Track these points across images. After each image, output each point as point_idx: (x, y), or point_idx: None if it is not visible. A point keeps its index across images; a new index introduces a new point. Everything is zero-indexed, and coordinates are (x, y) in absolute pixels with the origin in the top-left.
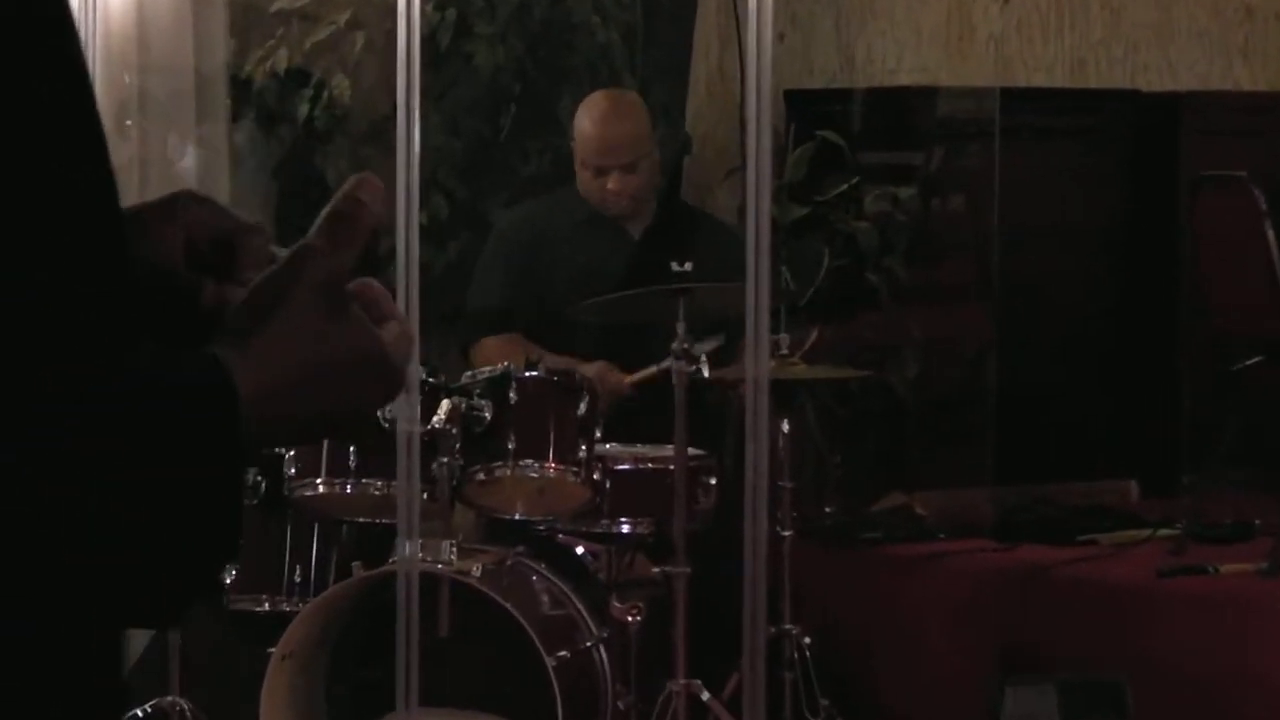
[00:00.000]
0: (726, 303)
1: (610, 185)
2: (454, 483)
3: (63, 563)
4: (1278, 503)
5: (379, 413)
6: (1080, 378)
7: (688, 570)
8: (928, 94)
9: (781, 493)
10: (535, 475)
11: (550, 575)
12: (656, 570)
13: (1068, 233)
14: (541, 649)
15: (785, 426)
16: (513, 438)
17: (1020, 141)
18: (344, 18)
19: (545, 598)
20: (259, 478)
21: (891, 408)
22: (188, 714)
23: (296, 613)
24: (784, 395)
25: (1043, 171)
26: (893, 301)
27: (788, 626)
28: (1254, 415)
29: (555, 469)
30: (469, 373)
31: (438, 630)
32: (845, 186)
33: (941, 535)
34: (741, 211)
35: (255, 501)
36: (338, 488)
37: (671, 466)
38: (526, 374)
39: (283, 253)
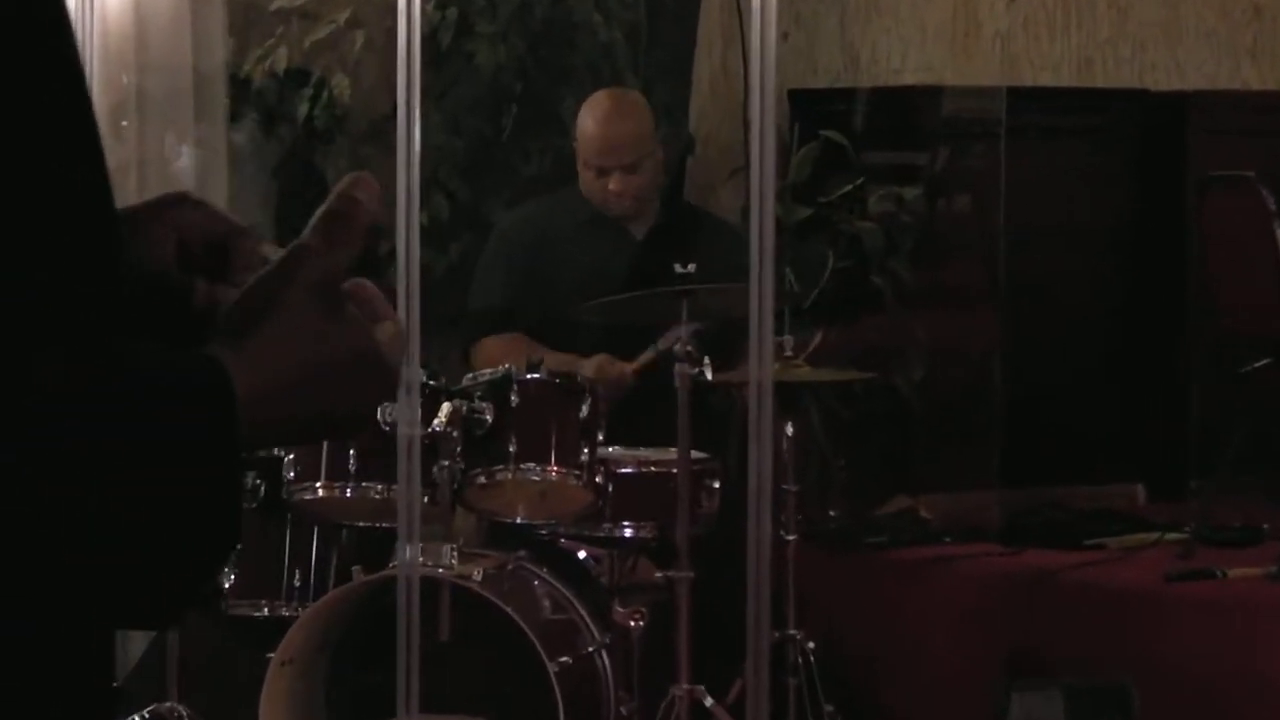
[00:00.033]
0: (730, 304)
1: (612, 186)
2: (455, 486)
3: (62, 562)
4: None
5: (380, 415)
6: (1087, 380)
7: (691, 575)
8: (933, 93)
9: (785, 496)
10: (537, 478)
11: (552, 580)
12: (659, 575)
13: (1074, 233)
14: (543, 654)
15: (789, 429)
16: (514, 441)
17: (1026, 141)
18: (344, 16)
19: (547, 602)
20: (258, 481)
21: (896, 410)
22: None
23: (296, 617)
24: (788, 398)
25: (1049, 172)
26: (898, 303)
27: (792, 631)
28: (1263, 418)
29: (557, 472)
30: (470, 375)
31: (438, 635)
32: (850, 187)
33: (947, 539)
34: (745, 212)
35: (254, 505)
36: (337, 491)
37: (674, 470)
38: (528, 376)
39: (275, 255)
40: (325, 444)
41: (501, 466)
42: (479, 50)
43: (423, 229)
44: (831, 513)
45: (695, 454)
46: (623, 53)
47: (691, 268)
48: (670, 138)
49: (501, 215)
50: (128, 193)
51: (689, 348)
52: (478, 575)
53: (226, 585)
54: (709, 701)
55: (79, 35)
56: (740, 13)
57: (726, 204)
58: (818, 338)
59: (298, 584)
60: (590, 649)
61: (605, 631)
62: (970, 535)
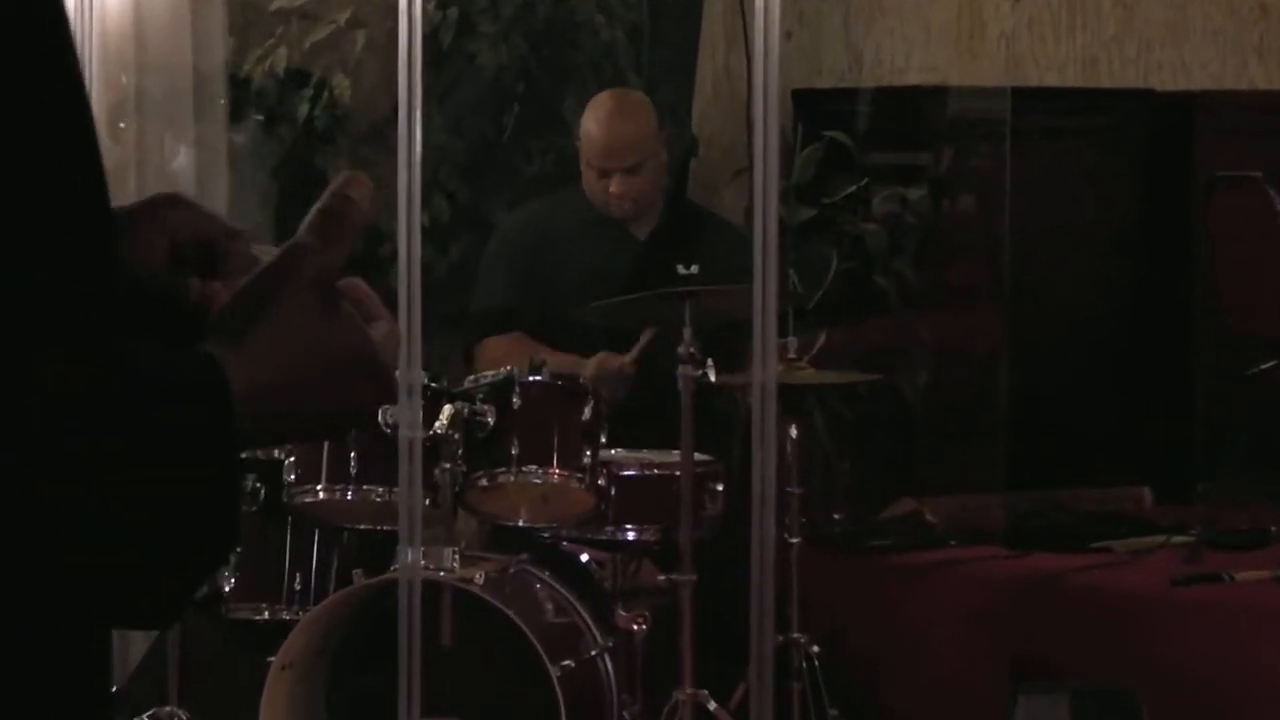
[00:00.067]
0: (733, 305)
1: (614, 188)
2: (456, 489)
3: (62, 562)
4: None
5: (381, 417)
6: (1093, 381)
7: (694, 578)
8: (937, 94)
9: (789, 499)
10: (539, 481)
11: (554, 583)
12: (662, 578)
13: (1080, 234)
14: (546, 658)
15: (793, 432)
16: (516, 443)
17: (1032, 142)
18: (344, 16)
19: (549, 606)
20: (258, 484)
21: (901, 412)
22: None
23: (296, 621)
24: (792, 400)
25: (1054, 172)
26: (902, 304)
27: (796, 635)
28: (1269, 420)
29: (559, 475)
30: (471, 376)
31: (440, 639)
32: (853, 188)
33: (952, 542)
34: (748, 213)
35: (255, 508)
36: (338, 494)
37: (677, 472)
38: (530, 378)
39: (266, 255)
40: (326, 447)
41: (503, 469)
42: (480, 50)
43: (424, 230)
44: (836, 515)
45: (698, 456)
46: (625, 53)
47: (694, 269)
48: (673, 138)
49: (503, 216)
50: (127, 193)
51: (692, 349)
52: (479, 578)
53: (227, 589)
54: (712, 705)
55: (78, 35)
56: (744, 12)
57: (730, 204)
58: (821, 339)
59: (298, 587)
60: (593, 653)
61: (608, 635)
62: (975, 538)
